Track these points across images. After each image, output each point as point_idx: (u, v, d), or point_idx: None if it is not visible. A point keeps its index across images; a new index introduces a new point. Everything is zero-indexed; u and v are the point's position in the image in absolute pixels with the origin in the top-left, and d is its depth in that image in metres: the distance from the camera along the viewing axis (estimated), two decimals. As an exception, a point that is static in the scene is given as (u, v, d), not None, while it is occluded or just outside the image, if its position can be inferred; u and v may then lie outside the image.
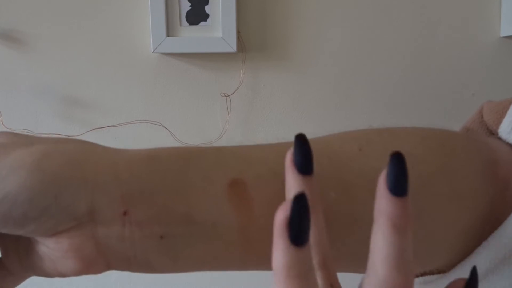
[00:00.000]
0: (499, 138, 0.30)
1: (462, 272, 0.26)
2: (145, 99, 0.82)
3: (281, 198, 0.22)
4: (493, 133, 0.31)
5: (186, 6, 0.78)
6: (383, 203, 0.20)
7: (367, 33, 0.82)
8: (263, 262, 0.24)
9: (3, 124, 0.81)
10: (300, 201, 0.18)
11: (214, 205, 0.22)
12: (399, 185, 0.20)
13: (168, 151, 0.23)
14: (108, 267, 0.22)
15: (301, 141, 0.22)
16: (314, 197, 0.21)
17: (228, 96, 0.81)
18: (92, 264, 0.22)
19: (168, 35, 0.77)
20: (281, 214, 0.18)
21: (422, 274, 0.32)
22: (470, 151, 0.27)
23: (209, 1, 0.77)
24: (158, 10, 0.76)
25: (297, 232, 0.18)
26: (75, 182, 0.20)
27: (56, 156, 0.21)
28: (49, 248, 0.21)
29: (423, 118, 0.84)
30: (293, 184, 0.21)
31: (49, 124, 0.82)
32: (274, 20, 0.81)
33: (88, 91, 0.82)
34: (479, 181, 0.26)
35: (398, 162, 0.20)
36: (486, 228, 0.26)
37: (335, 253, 0.24)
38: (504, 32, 0.81)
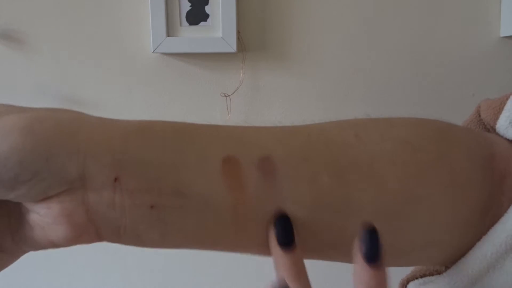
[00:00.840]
0: (497, 134, 0.30)
1: (462, 267, 0.26)
2: (145, 99, 0.82)
3: (272, 179, 0.22)
4: (490, 131, 0.31)
5: (186, 6, 0.78)
6: (361, 272, 0.22)
7: (367, 33, 0.82)
8: (254, 244, 0.24)
9: (3, 124, 0.81)
10: None
11: (207, 181, 0.22)
12: (374, 255, 0.21)
13: (163, 124, 0.23)
14: (99, 237, 0.22)
15: (283, 222, 0.23)
16: (299, 271, 0.23)
17: (228, 96, 0.81)
18: (83, 231, 0.21)
19: (168, 35, 0.77)
20: None
21: (422, 276, 0.32)
22: (469, 143, 0.27)
23: (209, 1, 0.77)
24: (158, 10, 0.76)
25: None
26: (67, 147, 0.20)
27: (49, 121, 0.20)
28: (40, 214, 0.21)
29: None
30: (278, 261, 0.23)
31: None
32: (274, 20, 0.81)
33: (88, 91, 0.82)
34: (478, 173, 0.26)
35: (370, 236, 0.22)
36: (484, 222, 0.26)
37: (330, 237, 0.24)
38: (504, 32, 0.81)
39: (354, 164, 0.24)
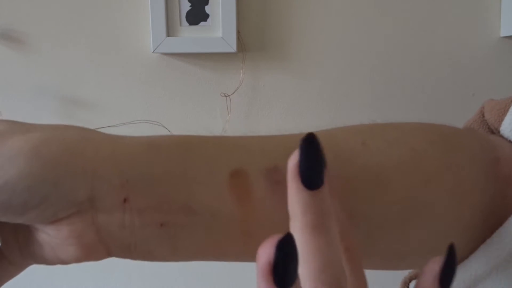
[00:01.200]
0: (501, 136, 0.30)
1: (465, 269, 0.26)
2: (145, 99, 0.82)
3: (282, 192, 0.22)
4: (494, 132, 0.31)
5: (186, 6, 0.78)
6: (295, 196, 0.19)
7: (367, 33, 0.82)
8: None
9: (3, 124, 0.81)
10: (284, 248, 0.16)
11: (215, 195, 0.22)
12: (312, 176, 0.19)
13: (169, 139, 0.23)
14: (109, 254, 0.22)
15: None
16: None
17: (228, 96, 0.81)
18: (93, 251, 0.21)
19: (168, 35, 0.77)
20: (264, 257, 0.17)
21: None
22: (474, 148, 0.27)
23: (209, 1, 0.77)
24: (158, 10, 0.76)
25: (281, 277, 0.17)
26: (75, 169, 0.20)
27: (55, 143, 0.20)
28: (49, 235, 0.21)
29: (423, 118, 0.84)
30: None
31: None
32: (274, 20, 0.81)
33: (88, 91, 0.82)
34: (482, 178, 0.26)
35: (310, 148, 0.19)
36: (488, 226, 0.26)
37: None
38: (504, 32, 0.81)
39: (361, 173, 0.24)
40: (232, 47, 0.77)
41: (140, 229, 0.21)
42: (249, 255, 0.23)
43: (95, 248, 0.21)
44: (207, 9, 0.78)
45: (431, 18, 0.81)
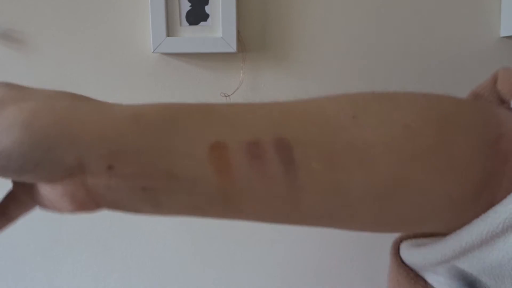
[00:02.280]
0: (510, 110, 0.30)
1: (456, 239, 0.26)
2: (145, 99, 0.82)
3: (261, 165, 0.24)
4: (504, 102, 0.31)
5: (186, 6, 0.78)
6: None
7: (367, 33, 0.82)
8: (241, 216, 0.26)
9: (3, 124, 0.81)
10: None
11: (195, 165, 0.24)
12: None
13: (156, 110, 0.25)
14: (100, 208, 0.25)
15: None
16: None
17: (228, 96, 0.81)
18: (84, 206, 0.24)
19: (168, 35, 0.77)
20: None
21: (414, 236, 0.33)
22: (475, 125, 0.27)
23: (209, 1, 0.77)
24: (158, 10, 0.76)
25: None
26: (63, 139, 0.22)
27: (45, 114, 0.22)
28: (47, 191, 0.24)
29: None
30: None
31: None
32: (274, 20, 0.81)
33: (88, 91, 0.82)
34: (479, 156, 0.26)
35: None
36: (480, 201, 0.26)
37: (317, 218, 0.25)
38: (504, 32, 0.81)
39: (346, 148, 0.24)
40: (232, 47, 0.77)
41: (125, 191, 0.24)
42: (230, 217, 0.26)
43: (87, 203, 0.24)
44: (207, 9, 0.78)
45: (431, 18, 0.81)
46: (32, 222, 0.85)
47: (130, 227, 0.86)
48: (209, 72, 0.82)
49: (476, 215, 0.26)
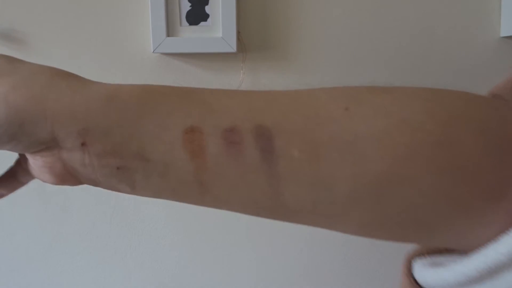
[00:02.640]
0: None
1: (482, 257, 0.23)
2: (145, 99, 0.82)
3: (237, 151, 0.23)
4: None
5: (186, 6, 0.78)
6: None
7: (367, 33, 0.82)
8: (221, 204, 0.25)
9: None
10: None
11: (167, 150, 0.24)
12: None
13: (130, 92, 0.25)
14: (80, 183, 0.26)
15: None
16: None
17: (228, 96, 0.81)
18: (64, 179, 0.25)
19: (168, 35, 0.77)
20: None
21: (429, 252, 0.29)
22: (489, 123, 0.24)
23: (209, 1, 0.77)
24: (158, 10, 0.76)
25: None
26: (36, 115, 0.23)
27: (22, 91, 0.23)
28: (32, 162, 0.26)
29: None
30: None
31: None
32: (274, 20, 0.81)
33: (88, 91, 0.82)
34: (487, 157, 0.23)
35: None
36: (499, 210, 0.23)
37: (300, 207, 0.24)
38: (504, 32, 0.81)
39: (333, 140, 0.23)
40: (232, 47, 0.77)
41: (100, 169, 0.24)
42: (207, 203, 0.25)
43: (66, 177, 0.25)
44: (207, 9, 0.78)
45: (431, 18, 0.81)
46: (32, 222, 0.85)
47: (130, 227, 0.86)
48: (209, 72, 0.82)
49: (501, 229, 0.23)
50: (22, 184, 0.29)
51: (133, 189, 0.25)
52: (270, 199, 0.24)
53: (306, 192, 0.23)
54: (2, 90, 0.23)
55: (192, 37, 0.78)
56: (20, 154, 0.28)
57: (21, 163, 0.28)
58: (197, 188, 0.24)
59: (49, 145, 0.24)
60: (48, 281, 0.88)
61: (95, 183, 0.25)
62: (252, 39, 0.81)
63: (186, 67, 0.81)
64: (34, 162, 0.25)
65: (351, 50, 0.82)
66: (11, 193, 0.29)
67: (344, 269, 0.88)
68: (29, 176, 0.29)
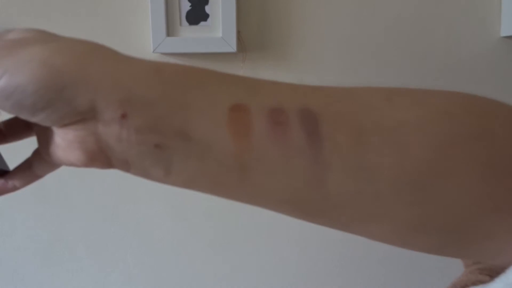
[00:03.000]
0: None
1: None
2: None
3: (283, 133, 0.22)
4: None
5: (186, 6, 0.78)
6: None
7: (367, 33, 0.82)
8: (259, 194, 0.24)
9: (3, 124, 0.81)
10: None
11: (212, 126, 0.22)
12: None
13: (176, 66, 0.24)
14: (110, 165, 0.24)
15: None
16: None
17: (228, 96, 0.81)
18: (95, 158, 0.23)
19: (168, 35, 0.77)
20: None
21: (474, 283, 0.28)
22: (510, 118, 0.24)
23: (209, 1, 0.77)
24: (158, 10, 0.76)
25: None
26: (78, 80, 0.22)
27: (65, 54, 0.22)
28: (60, 138, 0.24)
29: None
30: None
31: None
32: (274, 20, 0.81)
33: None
34: None
35: None
36: None
37: (344, 199, 0.23)
38: (504, 32, 0.81)
39: (377, 127, 0.23)
40: (232, 47, 0.77)
41: (136, 145, 0.23)
42: (244, 192, 0.24)
43: (97, 155, 0.23)
44: (207, 9, 0.78)
45: (431, 18, 0.81)
46: (32, 222, 0.85)
47: (130, 227, 0.86)
48: (209, 72, 0.82)
49: None
50: (38, 177, 0.28)
51: (168, 173, 0.23)
52: (312, 189, 0.23)
53: (350, 181, 0.22)
54: (42, 54, 0.22)
55: (192, 37, 0.78)
56: (40, 140, 0.26)
57: (40, 152, 0.27)
58: (237, 173, 0.23)
59: (85, 116, 0.22)
60: (48, 281, 0.88)
61: (126, 166, 0.24)
62: (252, 39, 0.81)
63: (186, 67, 0.81)
64: (64, 137, 0.23)
65: (351, 50, 0.82)
66: (25, 186, 0.28)
67: (343, 270, 0.88)
68: (47, 167, 0.28)
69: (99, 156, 0.23)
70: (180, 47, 0.78)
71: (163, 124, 0.22)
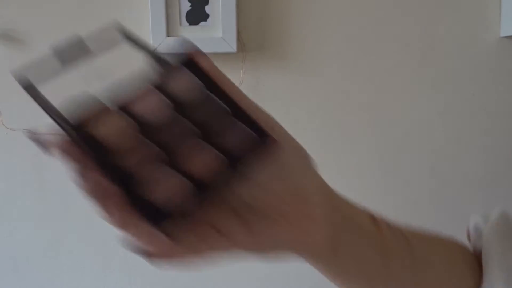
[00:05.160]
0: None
1: None
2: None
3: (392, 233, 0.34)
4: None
5: (186, 6, 0.78)
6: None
7: (367, 33, 0.82)
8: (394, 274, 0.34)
9: (3, 124, 0.81)
10: None
11: (366, 223, 0.33)
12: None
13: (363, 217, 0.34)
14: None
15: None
16: None
17: (228, 96, 0.81)
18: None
19: (168, 35, 0.77)
20: None
21: None
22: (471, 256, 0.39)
23: (209, 1, 0.78)
24: (158, 10, 0.77)
25: None
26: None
27: (336, 212, 0.31)
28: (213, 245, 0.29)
29: (422, 118, 0.84)
30: None
31: (49, 124, 0.82)
32: (274, 20, 0.81)
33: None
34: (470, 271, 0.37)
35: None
36: None
37: None
38: (504, 32, 0.81)
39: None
40: (232, 47, 0.77)
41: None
42: (386, 271, 0.34)
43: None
44: (207, 9, 0.78)
45: (431, 18, 0.82)
46: (32, 222, 0.85)
47: (130, 227, 0.86)
48: (209, 72, 0.82)
49: None
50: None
51: (336, 253, 0.33)
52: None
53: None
54: (327, 213, 0.31)
55: (192, 37, 0.78)
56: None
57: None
58: (378, 250, 0.33)
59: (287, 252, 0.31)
60: (48, 281, 0.88)
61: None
62: (252, 39, 0.81)
63: (186, 67, 0.81)
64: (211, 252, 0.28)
65: (350, 50, 0.82)
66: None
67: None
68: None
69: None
70: (180, 47, 0.78)
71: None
